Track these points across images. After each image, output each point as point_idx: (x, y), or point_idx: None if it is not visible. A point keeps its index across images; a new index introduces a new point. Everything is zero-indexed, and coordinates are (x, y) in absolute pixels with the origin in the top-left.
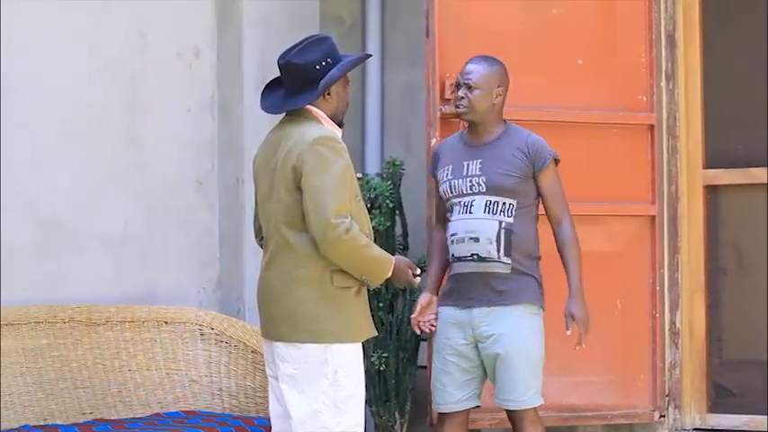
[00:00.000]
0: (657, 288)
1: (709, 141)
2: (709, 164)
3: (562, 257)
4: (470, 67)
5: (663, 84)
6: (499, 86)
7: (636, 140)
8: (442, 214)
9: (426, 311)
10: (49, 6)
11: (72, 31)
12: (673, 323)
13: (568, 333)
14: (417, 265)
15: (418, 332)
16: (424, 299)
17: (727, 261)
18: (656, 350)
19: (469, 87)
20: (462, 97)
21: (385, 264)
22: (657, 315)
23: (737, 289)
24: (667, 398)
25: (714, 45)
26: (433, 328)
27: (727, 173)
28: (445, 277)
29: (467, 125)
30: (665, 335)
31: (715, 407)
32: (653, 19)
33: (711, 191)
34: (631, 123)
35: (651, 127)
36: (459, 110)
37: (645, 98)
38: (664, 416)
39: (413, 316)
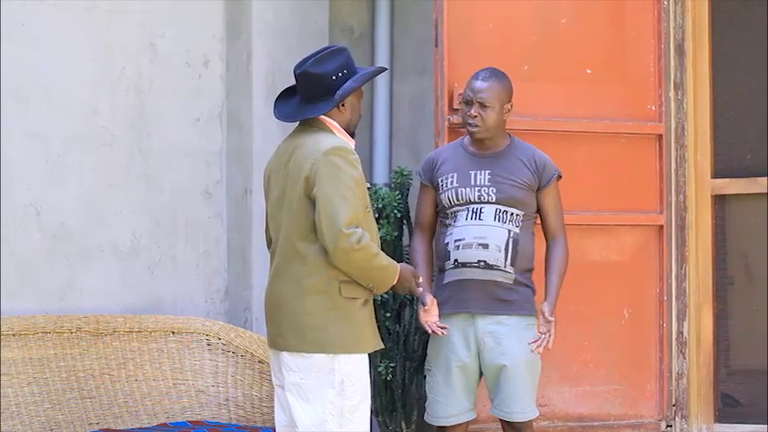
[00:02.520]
0: (665, 297)
1: (718, 151)
2: (718, 173)
3: (548, 267)
4: (481, 84)
5: (671, 93)
6: (509, 102)
7: (644, 150)
8: (428, 222)
9: (432, 310)
10: (59, 17)
11: (82, 42)
12: (680, 333)
13: (542, 336)
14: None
15: (430, 332)
16: (428, 298)
17: (735, 270)
18: (663, 360)
19: (483, 106)
20: (476, 116)
21: (392, 272)
22: (665, 324)
23: (745, 298)
24: (674, 407)
25: (723, 55)
26: (445, 332)
27: (735, 182)
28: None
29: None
30: (673, 344)
31: (722, 416)
32: (662, 28)
33: (719, 200)
34: (640, 133)
35: (660, 136)
36: (471, 128)
37: (653, 107)
38: (670, 425)
39: (425, 317)
